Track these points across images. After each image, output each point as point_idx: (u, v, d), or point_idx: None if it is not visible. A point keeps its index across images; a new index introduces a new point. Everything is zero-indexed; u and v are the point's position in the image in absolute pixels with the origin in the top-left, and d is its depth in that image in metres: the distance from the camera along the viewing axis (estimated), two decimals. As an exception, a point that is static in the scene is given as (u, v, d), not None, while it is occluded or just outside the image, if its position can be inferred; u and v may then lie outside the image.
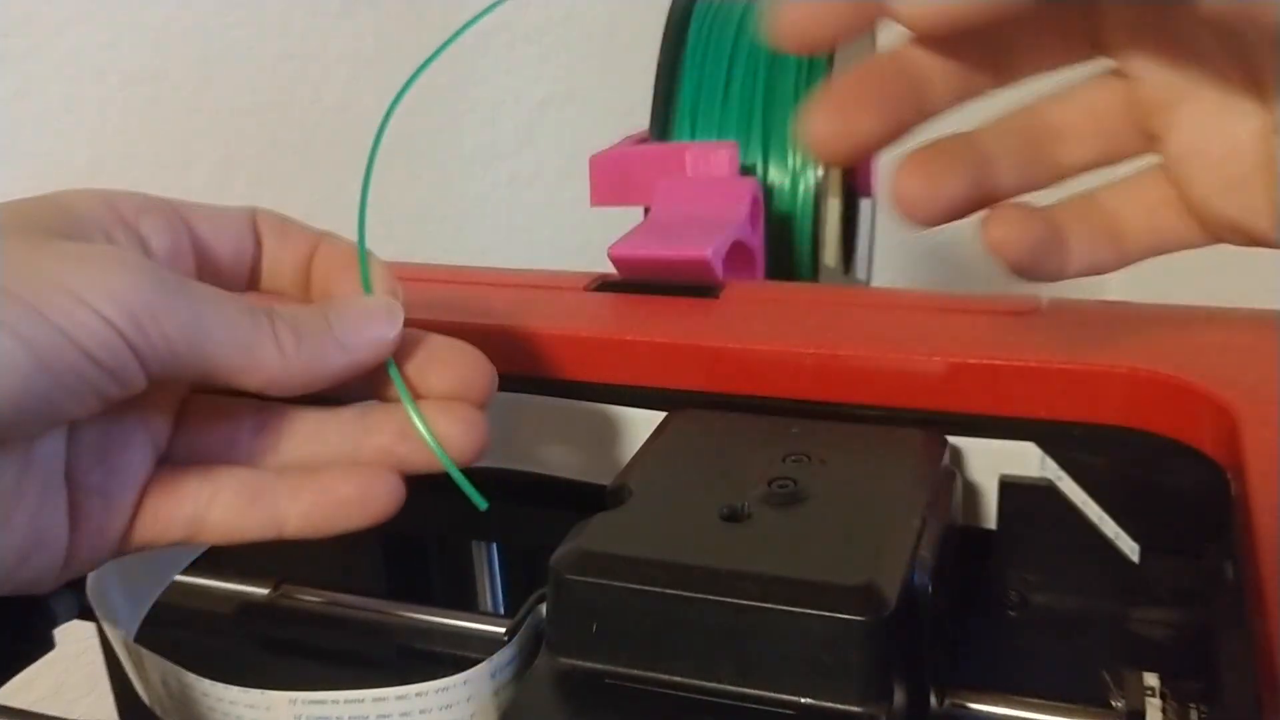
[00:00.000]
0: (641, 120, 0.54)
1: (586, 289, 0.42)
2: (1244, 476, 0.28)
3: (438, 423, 0.29)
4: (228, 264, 0.30)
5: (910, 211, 0.28)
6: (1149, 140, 0.28)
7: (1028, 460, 0.33)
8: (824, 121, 0.27)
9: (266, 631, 0.41)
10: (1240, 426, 0.30)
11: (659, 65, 0.53)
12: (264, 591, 0.38)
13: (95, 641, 0.39)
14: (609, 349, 0.37)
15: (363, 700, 0.28)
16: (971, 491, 0.34)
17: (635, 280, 0.42)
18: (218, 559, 0.37)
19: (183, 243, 0.29)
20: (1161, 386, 0.32)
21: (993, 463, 0.33)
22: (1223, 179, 0.27)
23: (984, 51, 0.28)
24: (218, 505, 0.28)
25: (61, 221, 0.26)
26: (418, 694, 0.28)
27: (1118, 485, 0.33)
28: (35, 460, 0.25)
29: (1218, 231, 0.28)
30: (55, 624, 0.39)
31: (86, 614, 0.40)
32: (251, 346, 0.26)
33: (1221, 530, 0.30)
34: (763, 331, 0.36)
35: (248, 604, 0.39)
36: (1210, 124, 0.27)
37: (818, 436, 0.33)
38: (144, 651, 0.29)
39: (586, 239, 1.00)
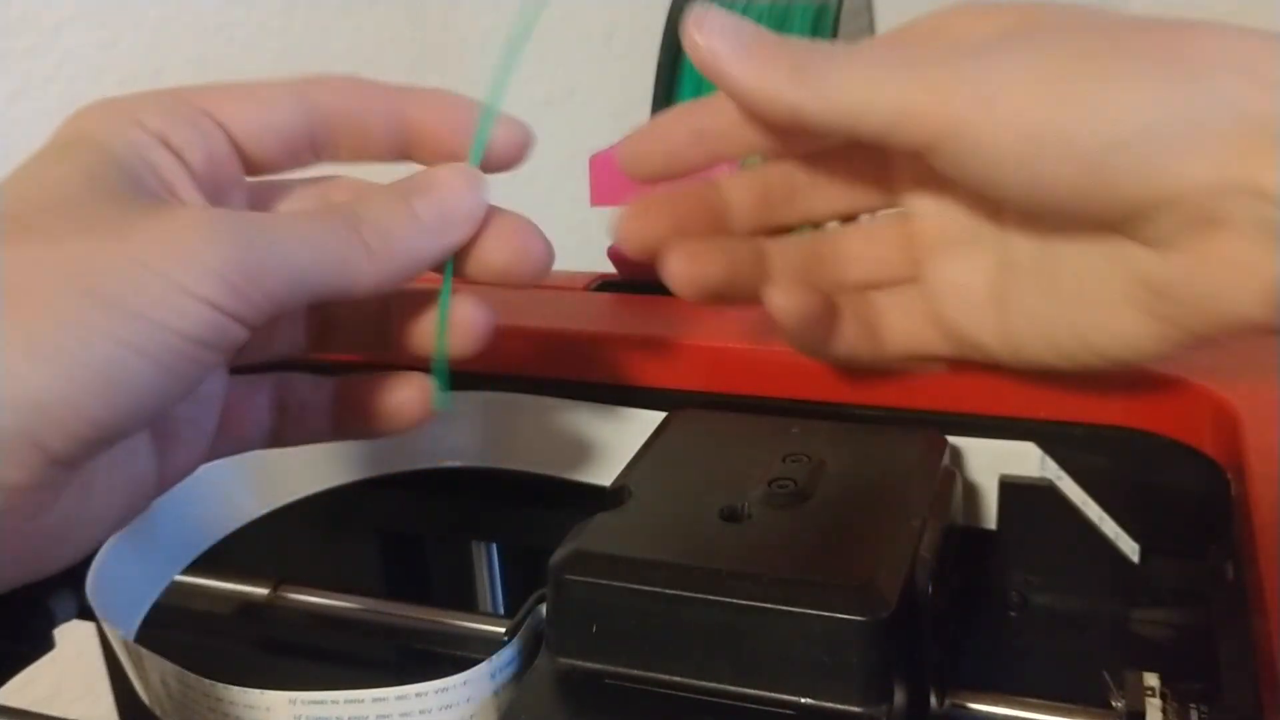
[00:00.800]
0: (641, 119, 0.54)
1: (586, 289, 0.42)
2: (1244, 476, 0.28)
3: (461, 307, 0.29)
4: (273, 151, 0.29)
5: (674, 286, 0.31)
6: (916, 268, 0.32)
7: (1028, 460, 0.33)
8: (630, 225, 0.32)
9: (266, 632, 0.41)
10: (1241, 426, 0.30)
11: (659, 64, 0.53)
12: (263, 592, 0.38)
13: (94, 642, 0.39)
14: (609, 349, 0.37)
15: (362, 700, 0.28)
16: (972, 491, 0.34)
17: (635, 280, 0.42)
18: (218, 559, 0.37)
19: (219, 148, 0.28)
20: (1162, 386, 0.32)
21: (993, 463, 0.33)
22: (965, 305, 0.31)
23: (785, 190, 0.32)
24: (287, 417, 0.30)
25: (113, 174, 0.25)
26: (417, 694, 0.28)
27: (1118, 485, 0.33)
28: None
29: (962, 349, 0.32)
30: (55, 624, 0.39)
31: (86, 614, 0.40)
32: (344, 265, 0.26)
33: (1222, 530, 0.30)
34: (762, 331, 0.36)
35: (247, 604, 0.39)
36: (958, 260, 0.31)
37: (818, 436, 0.33)
38: (144, 652, 0.29)
39: (586, 239, 1.00)
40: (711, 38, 0.28)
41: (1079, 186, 0.25)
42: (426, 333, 0.30)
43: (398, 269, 0.27)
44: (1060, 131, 0.25)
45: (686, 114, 0.31)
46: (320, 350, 0.32)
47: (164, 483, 0.28)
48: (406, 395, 0.30)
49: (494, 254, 0.29)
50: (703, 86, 0.52)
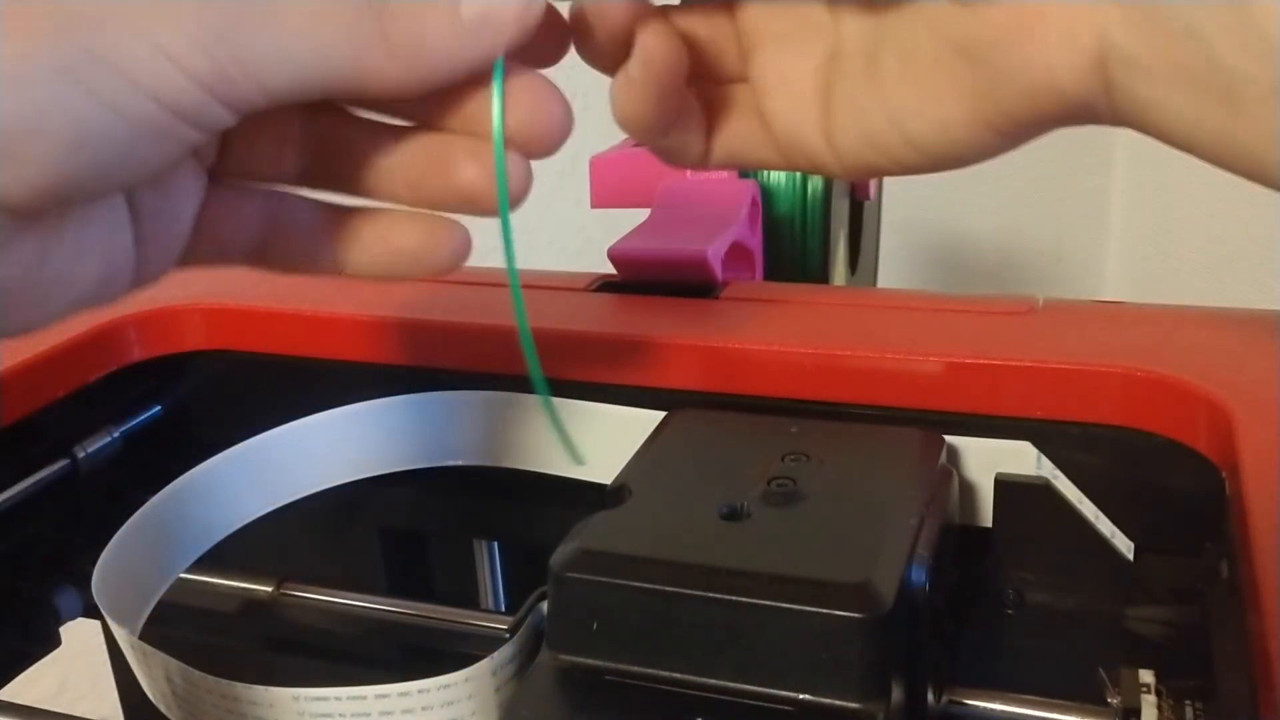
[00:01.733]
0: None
1: (587, 289, 0.42)
2: (1239, 475, 0.28)
3: (509, 162, 0.25)
4: None
5: (620, 115, 0.29)
6: (745, 62, 0.30)
7: (1024, 459, 0.33)
8: (624, 103, 0.28)
9: (270, 629, 0.42)
10: (1236, 426, 0.30)
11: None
12: (267, 589, 0.38)
13: (99, 639, 0.39)
14: (609, 349, 0.37)
15: (365, 697, 0.28)
16: (968, 490, 0.34)
17: (635, 280, 0.42)
18: (222, 557, 0.37)
19: None
20: (1157, 386, 0.32)
21: (989, 461, 0.34)
22: (790, 100, 0.29)
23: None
24: (276, 236, 0.27)
25: None
26: (420, 690, 0.28)
27: (1113, 484, 0.33)
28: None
29: (789, 154, 0.30)
30: (60, 622, 0.40)
31: (91, 612, 0.40)
32: (356, 60, 0.23)
33: (1217, 529, 0.30)
34: (762, 331, 0.36)
35: (251, 602, 0.39)
36: (785, 53, 0.29)
37: (816, 436, 0.33)
38: (149, 649, 0.30)
39: (587, 240, 1.00)
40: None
41: None
42: (457, 178, 0.26)
43: (426, 73, 0.24)
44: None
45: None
46: (321, 185, 0.28)
47: (142, 272, 0.26)
48: (435, 238, 0.27)
49: (515, 110, 0.25)
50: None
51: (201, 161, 0.26)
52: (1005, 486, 0.33)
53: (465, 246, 0.27)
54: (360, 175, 0.27)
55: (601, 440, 0.37)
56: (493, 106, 0.25)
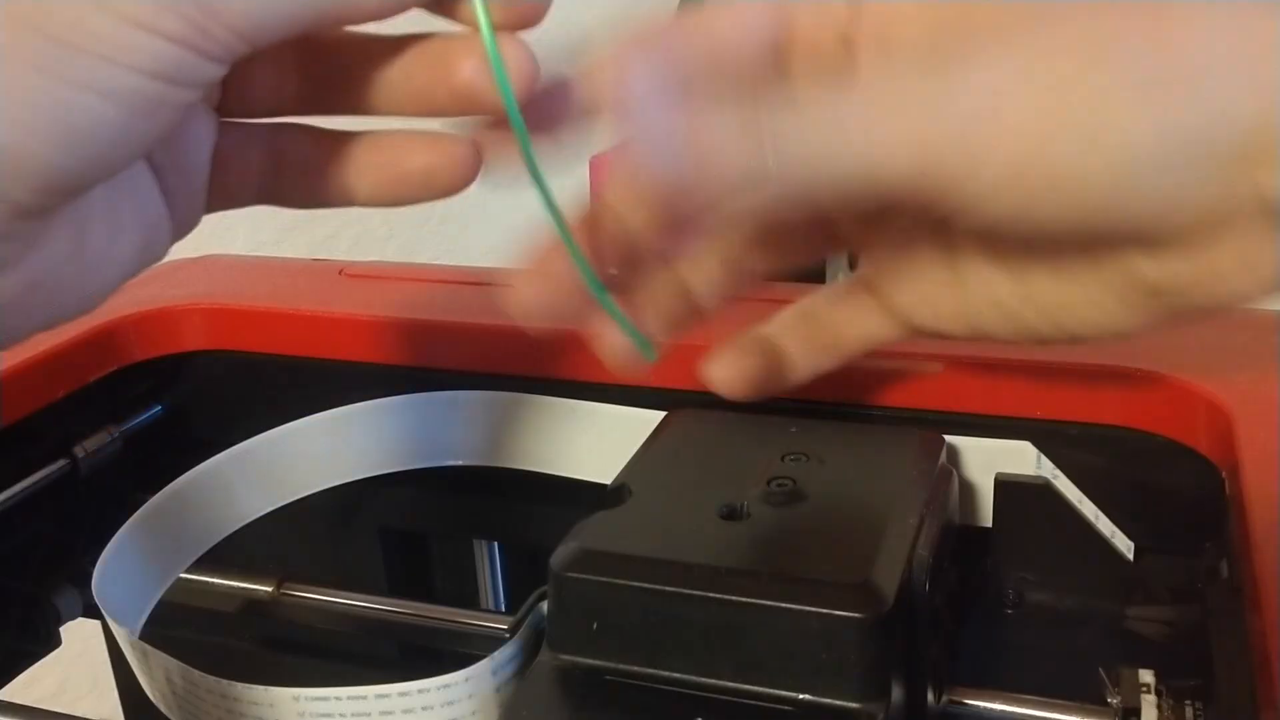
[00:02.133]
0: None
1: (587, 289, 0.42)
2: (1239, 475, 0.28)
3: (504, 48, 0.24)
4: None
5: (723, 390, 0.31)
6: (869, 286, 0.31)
7: (1024, 459, 0.33)
8: (524, 288, 0.29)
9: (270, 629, 0.42)
10: (1235, 425, 0.30)
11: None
12: (268, 589, 0.38)
13: (100, 639, 0.39)
14: (609, 349, 0.37)
15: (366, 697, 0.28)
16: (968, 490, 0.34)
17: (635, 280, 0.42)
18: (222, 557, 0.37)
19: None
20: (1157, 386, 0.32)
21: (989, 461, 0.34)
22: (927, 308, 0.30)
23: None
24: (285, 172, 0.27)
25: None
26: (420, 690, 0.28)
27: (1113, 484, 0.33)
28: None
29: (920, 333, 0.30)
30: (61, 622, 0.40)
31: (91, 612, 0.40)
32: None
33: (1216, 528, 0.30)
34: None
35: (252, 602, 0.39)
36: (918, 281, 0.29)
37: (816, 436, 0.33)
38: (150, 649, 0.30)
39: (587, 239, 1.00)
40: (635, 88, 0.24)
41: (1080, 221, 0.24)
42: (458, 77, 0.25)
43: None
44: (1057, 173, 0.23)
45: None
46: (325, 109, 0.27)
47: (177, 228, 0.26)
48: (443, 156, 0.26)
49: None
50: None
51: (209, 103, 0.26)
52: (1005, 486, 0.33)
53: (474, 163, 0.26)
54: (362, 93, 0.26)
55: (601, 440, 0.37)
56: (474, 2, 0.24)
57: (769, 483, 0.30)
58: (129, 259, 0.25)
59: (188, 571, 0.36)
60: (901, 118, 0.23)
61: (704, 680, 0.26)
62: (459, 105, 0.25)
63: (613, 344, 0.28)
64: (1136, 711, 0.28)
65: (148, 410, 0.43)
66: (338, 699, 0.28)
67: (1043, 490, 0.33)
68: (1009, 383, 0.33)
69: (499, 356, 0.38)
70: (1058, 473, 0.33)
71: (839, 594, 0.25)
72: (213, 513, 0.36)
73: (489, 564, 0.45)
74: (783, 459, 0.31)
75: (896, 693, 0.26)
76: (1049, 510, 0.33)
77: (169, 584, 0.35)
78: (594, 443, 0.37)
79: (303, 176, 0.27)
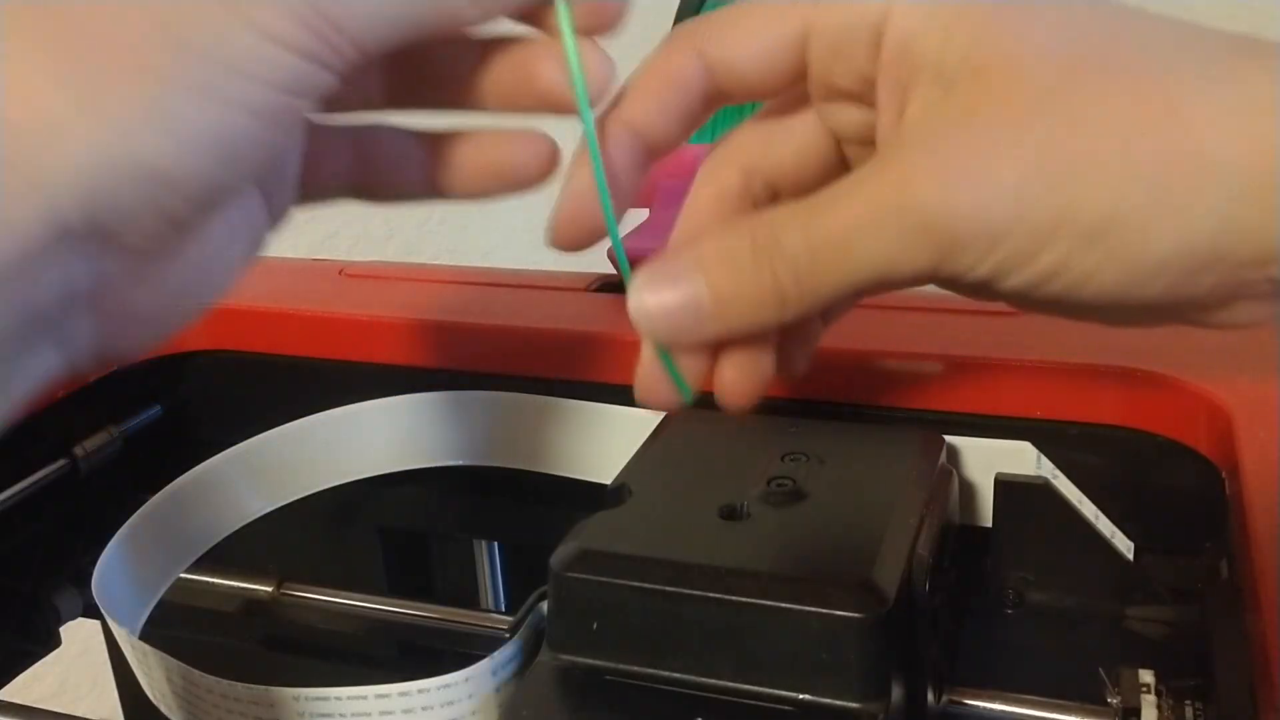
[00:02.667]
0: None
1: (587, 289, 0.42)
2: (1239, 475, 0.28)
3: (585, 62, 0.26)
4: None
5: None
6: None
7: (1024, 459, 0.33)
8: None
9: (270, 629, 0.42)
10: (1235, 425, 0.30)
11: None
12: (268, 589, 0.38)
13: (100, 639, 0.39)
14: (609, 349, 0.37)
15: (366, 697, 0.28)
16: (968, 490, 0.34)
17: (635, 280, 0.42)
18: (222, 557, 0.37)
19: None
20: (1157, 386, 0.32)
21: (989, 461, 0.34)
22: None
23: None
24: (373, 168, 0.28)
25: None
26: (420, 690, 0.28)
27: (1113, 483, 0.33)
28: None
29: None
30: (61, 622, 0.40)
31: (91, 612, 0.40)
32: (439, 3, 0.24)
33: (1217, 528, 0.30)
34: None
35: (251, 602, 0.39)
36: None
37: (816, 436, 0.33)
38: (149, 649, 0.30)
39: (587, 239, 1.00)
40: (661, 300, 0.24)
41: (1099, 305, 0.23)
42: (541, 83, 0.26)
43: (497, 2, 0.25)
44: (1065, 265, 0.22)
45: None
46: (409, 106, 0.29)
47: (274, 225, 0.28)
48: (530, 151, 0.27)
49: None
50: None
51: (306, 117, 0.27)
52: (1005, 486, 0.33)
53: (556, 156, 0.27)
54: (446, 91, 0.27)
55: (602, 440, 0.37)
56: (559, 13, 0.25)
57: (769, 483, 0.30)
58: (240, 259, 0.26)
59: (188, 571, 0.36)
60: (914, 214, 0.22)
61: (704, 680, 0.26)
62: (540, 106, 0.27)
63: (651, 378, 0.28)
64: (1136, 711, 0.28)
65: (147, 410, 0.43)
66: (338, 699, 0.28)
67: (1043, 490, 0.33)
68: (1009, 383, 0.33)
69: (499, 356, 0.38)
70: (1058, 473, 0.33)
71: (839, 594, 0.25)
72: (213, 513, 0.36)
73: (489, 564, 0.45)
74: (783, 459, 0.31)
75: (896, 693, 0.26)
76: (1049, 510, 0.33)
77: (169, 584, 0.35)
78: (594, 443, 0.37)
79: (395, 172, 0.28)
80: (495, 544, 0.45)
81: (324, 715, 0.28)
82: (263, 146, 0.23)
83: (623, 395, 0.37)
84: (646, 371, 0.27)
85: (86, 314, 0.23)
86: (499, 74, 0.27)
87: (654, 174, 0.49)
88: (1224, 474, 0.30)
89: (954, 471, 0.33)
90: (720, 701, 0.26)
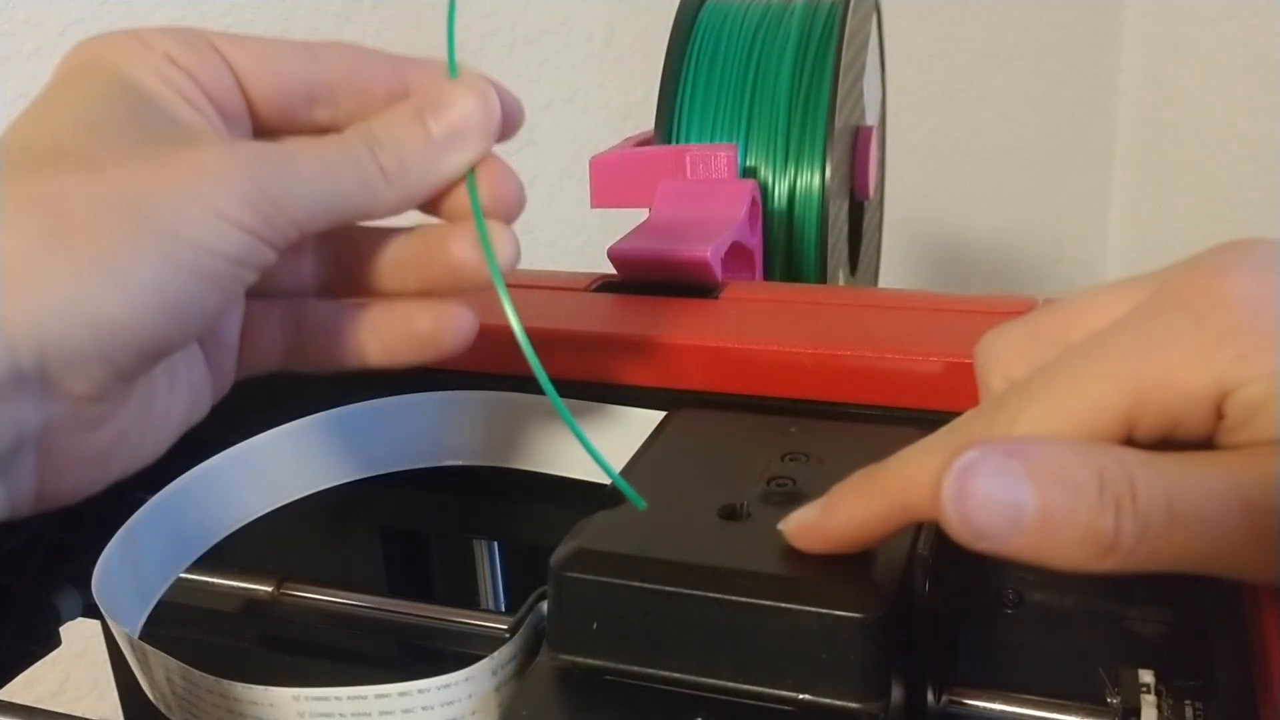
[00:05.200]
0: (640, 122, 0.54)
1: (587, 289, 0.42)
2: (1238, 475, 0.28)
3: (493, 238, 0.29)
4: (278, 97, 0.29)
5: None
6: None
7: (1025, 459, 0.33)
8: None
9: (270, 629, 0.42)
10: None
11: (665, 67, 0.53)
12: (267, 589, 0.38)
13: (100, 639, 0.39)
14: (609, 349, 0.37)
15: (366, 697, 0.28)
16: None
17: (635, 280, 0.42)
18: (222, 557, 0.37)
19: (223, 75, 0.29)
20: (1157, 386, 0.32)
21: (990, 462, 0.33)
22: None
23: None
24: (303, 340, 0.31)
25: (134, 100, 0.27)
26: (420, 690, 0.28)
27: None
28: None
29: None
30: (61, 621, 0.40)
31: (91, 611, 0.40)
32: (365, 188, 0.27)
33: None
34: (762, 331, 0.36)
35: (251, 601, 0.39)
36: None
37: (816, 436, 0.33)
38: (149, 649, 0.30)
39: (587, 240, 1.00)
40: (975, 514, 0.22)
41: None
42: (451, 257, 0.30)
43: (415, 188, 0.28)
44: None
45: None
46: (338, 290, 0.32)
47: (217, 391, 0.30)
48: (445, 320, 0.30)
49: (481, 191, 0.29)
50: (708, 88, 0.52)
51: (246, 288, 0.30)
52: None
53: (472, 326, 0.31)
54: (370, 275, 0.31)
55: (602, 440, 0.37)
56: (469, 196, 0.29)
57: (769, 483, 0.30)
58: (181, 418, 0.29)
59: (188, 571, 0.36)
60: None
61: (704, 680, 0.26)
62: (454, 280, 0.30)
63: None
64: (1136, 711, 0.28)
65: (148, 410, 0.43)
66: (338, 699, 0.28)
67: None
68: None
69: (499, 356, 0.38)
70: (1058, 473, 0.33)
71: (839, 594, 0.25)
72: (213, 513, 0.36)
73: (489, 564, 0.45)
74: (783, 459, 0.31)
75: (896, 692, 0.26)
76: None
77: (169, 584, 0.35)
78: (594, 443, 0.37)
79: (321, 342, 0.31)
80: (495, 544, 0.45)
81: (324, 715, 0.28)
82: (206, 307, 0.26)
83: (623, 395, 0.37)
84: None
85: (32, 457, 0.25)
86: (415, 252, 0.30)
87: (654, 174, 0.49)
88: (1224, 474, 0.30)
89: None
90: (720, 701, 0.26)
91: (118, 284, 0.24)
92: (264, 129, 0.30)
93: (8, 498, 0.25)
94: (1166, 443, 0.23)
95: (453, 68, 0.30)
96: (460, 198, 0.29)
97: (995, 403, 0.25)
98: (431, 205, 0.30)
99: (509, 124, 0.30)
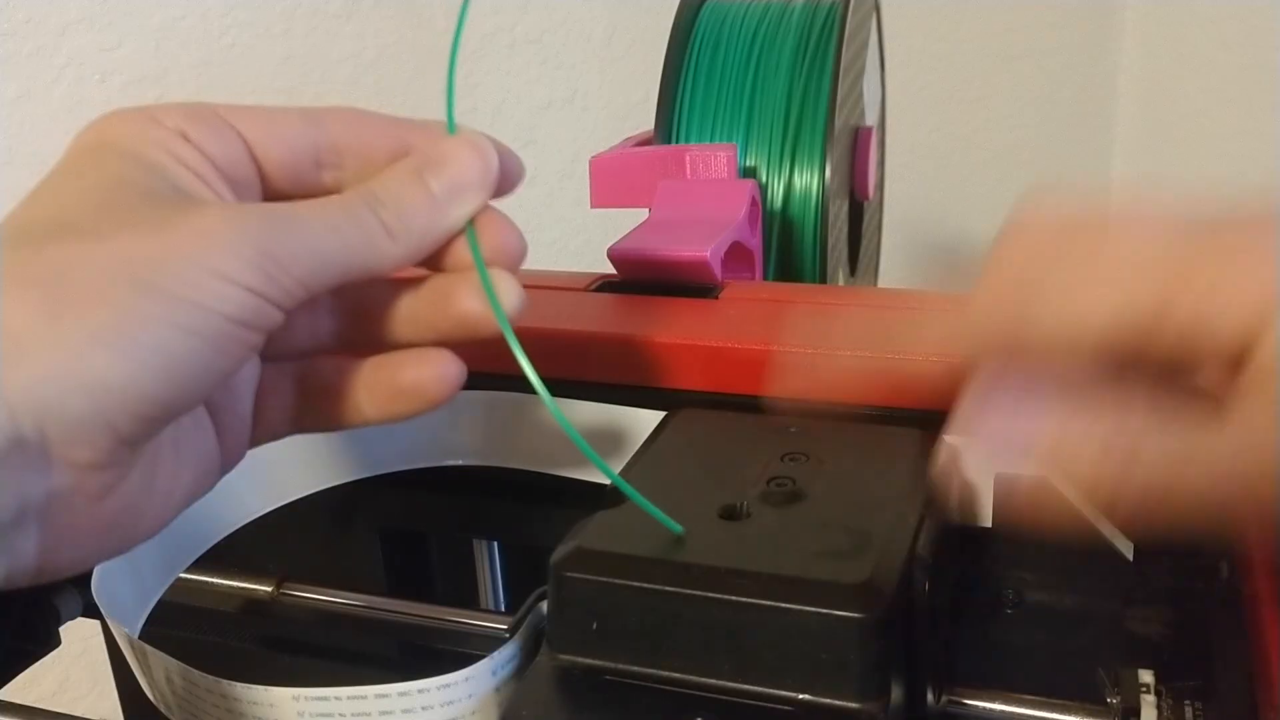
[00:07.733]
0: (640, 122, 0.54)
1: (587, 289, 0.42)
2: (1238, 475, 0.28)
3: (497, 288, 0.29)
4: (287, 163, 0.30)
5: None
6: None
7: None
8: None
9: (270, 629, 0.42)
10: (1235, 425, 0.30)
11: (665, 67, 0.53)
12: (267, 589, 0.38)
13: (99, 639, 0.39)
14: (609, 349, 0.37)
15: (365, 697, 0.28)
16: (968, 490, 0.34)
17: (635, 280, 0.42)
18: (221, 557, 0.37)
19: (234, 146, 0.29)
20: (1157, 386, 0.32)
21: (990, 461, 0.34)
22: None
23: None
24: (311, 401, 0.31)
25: (142, 174, 0.27)
26: (420, 690, 0.28)
27: (1114, 484, 0.33)
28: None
29: None
30: (60, 622, 0.40)
31: (91, 611, 0.40)
32: (368, 246, 0.28)
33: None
34: (762, 331, 0.36)
35: (251, 601, 0.39)
36: None
37: (816, 436, 0.33)
38: (149, 649, 0.30)
39: (587, 240, 1.00)
40: None
41: None
42: (458, 309, 0.30)
43: (418, 244, 0.29)
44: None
45: None
46: (354, 345, 0.32)
47: (226, 463, 0.30)
48: (425, 372, 0.30)
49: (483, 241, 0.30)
50: (709, 95, 0.52)
51: (254, 350, 0.29)
52: (1005, 486, 0.33)
53: (458, 374, 0.30)
54: (387, 328, 0.31)
55: (602, 440, 0.37)
56: (471, 248, 0.29)
57: (769, 483, 0.30)
58: (186, 491, 0.29)
59: (188, 571, 0.36)
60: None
61: (704, 680, 0.26)
62: (462, 330, 0.30)
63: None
64: (1136, 711, 0.28)
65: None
66: (338, 699, 0.28)
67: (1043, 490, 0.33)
68: (1009, 383, 0.33)
69: (499, 357, 0.38)
70: (1058, 473, 0.33)
71: (839, 594, 0.25)
72: (213, 513, 0.36)
73: (489, 564, 0.45)
74: (783, 459, 0.31)
75: (896, 692, 0.26)
76: (1049, 510, 0.33)
77: (169, 584, 0.35)
78: (594, 443, 0.37)
79: (326, 403, 0.31)
80: (495, 544, 0.45)
81: (324, 715, 0.28)
82: (210, 369, 0.26)
83: (623, 395, 0.37)
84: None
85: (34, 529, 0.25)
86: (424, 304, 0.30)
87: (654, 174, 0.49)
88: (1224, 474, 0.30)
89: (954, 471, 0.33)
90: (720, 701, 0.26)
91: (119, 348, 0.24)
92: (274, 195, 0.30)
93: (7, 570, 0.24)
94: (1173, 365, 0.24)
95: (451, 124, 0.30)
96: (462, 250, 0.30)
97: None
98: (435, 260, 0.30)
99: (507, 179, 0.31)
